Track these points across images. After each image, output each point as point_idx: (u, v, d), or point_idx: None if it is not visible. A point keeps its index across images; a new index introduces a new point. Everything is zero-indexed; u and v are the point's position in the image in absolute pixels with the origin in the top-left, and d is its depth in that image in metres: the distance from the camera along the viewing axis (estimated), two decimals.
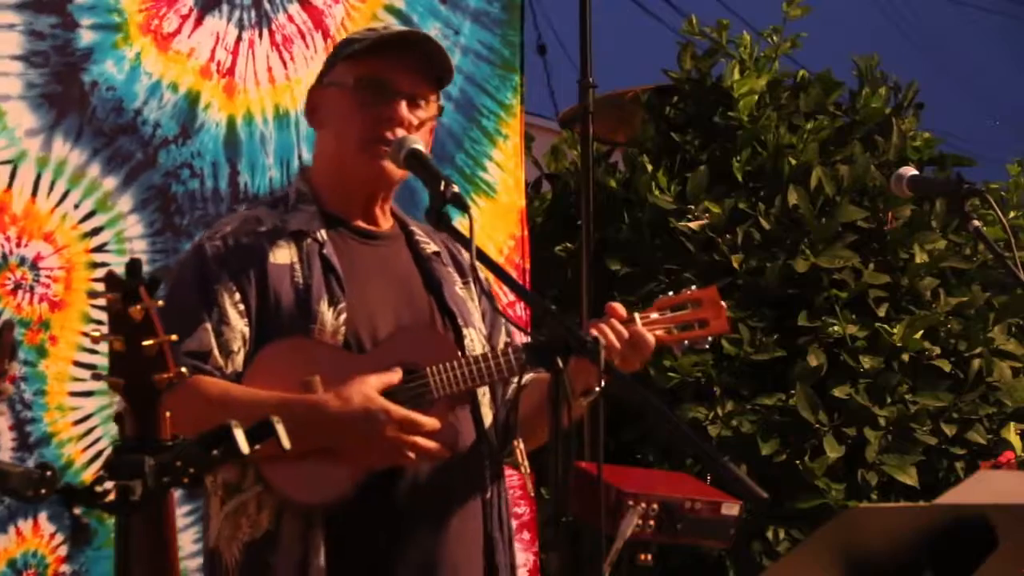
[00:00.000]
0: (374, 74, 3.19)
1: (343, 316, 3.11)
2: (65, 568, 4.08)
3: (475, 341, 3.27)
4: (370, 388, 3.04)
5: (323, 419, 3.00)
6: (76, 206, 4.11)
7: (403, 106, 3.18)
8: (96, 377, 2.15)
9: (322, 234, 3.19)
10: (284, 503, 3.06)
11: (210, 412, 2.83)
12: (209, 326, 3.06)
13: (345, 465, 3.05)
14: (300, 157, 4.47)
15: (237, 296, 3.09)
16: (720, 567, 5.44)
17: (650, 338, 3.24)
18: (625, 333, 3.20)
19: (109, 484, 2.09)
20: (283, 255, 3.14)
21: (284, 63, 4.49)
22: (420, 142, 3.15)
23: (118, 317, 2.09)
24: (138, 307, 2.08)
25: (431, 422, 3.06)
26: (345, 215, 3.25)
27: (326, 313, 3.10)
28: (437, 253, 3.34)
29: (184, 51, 4.30)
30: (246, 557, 3.08)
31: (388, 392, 3.07)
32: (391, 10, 4.67)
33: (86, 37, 4.14)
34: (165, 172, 4.26)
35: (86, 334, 4.03)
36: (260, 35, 4.45)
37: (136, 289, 2.09)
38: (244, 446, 2.09)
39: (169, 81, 4.27)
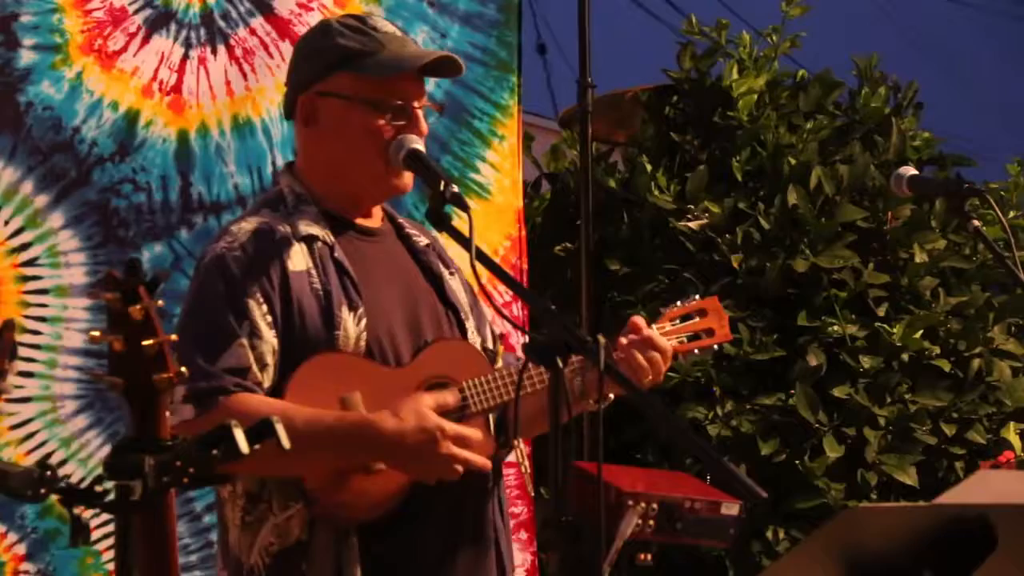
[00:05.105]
0: (390, 96, 3.17)
1: (363, 321, 3.11)
2: (28, 567, 4.13)
3: (473, 332, 3.30)
4: (424, 405, 3.05)
5: (380, 436, 3.01)
6: (6, 223, 4.22)
7: (421, 119, 3.19)
8: (96, 377, 2.15)
9: (329, 236, 3.18)
10: (326, 518, 3.06)
11: None
12: (244, 341, 3.03)
13: (387, 481, 3.06)
14: (274, 163, 4.53)
15: (265, 308, 3.07)
16: (720, 567, 5.44)
17: (669, 347, 3.30)
18: (651, 349, 3.24)
19: (109, 484, 2.09)
20: (299, 261, 3.12)
21: (244, 75, 4.55)
22: (419, 141, 3.16)
23: (118, 317, 2.09)
24: (138, 307, 2.08)
25: (478, 434, 3.09)
26: (345, 213, 3.24)
27: (348, 319, 3.10)
28: (428, 245, 3.35)
29: (128, 70, 4.38)
30: (276, 565, 3.08)
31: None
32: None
33: (26, 57, 4.24)
34: (101, 188, 4.32)
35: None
36: (214, 51, 4.50)
37: (136, 289, 2.09)
38: (244, 446, 2.09)
39: (110, 100, 4.35)
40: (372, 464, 3.05)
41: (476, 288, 3.25)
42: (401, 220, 3.37)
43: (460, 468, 3.06)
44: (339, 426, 3.01)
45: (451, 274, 3.35)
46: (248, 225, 3.17)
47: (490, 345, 3.38)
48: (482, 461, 3.09)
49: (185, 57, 4.45)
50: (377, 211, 3.32)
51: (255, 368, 3.03)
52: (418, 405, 3.04)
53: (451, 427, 3.04)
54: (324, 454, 2.95)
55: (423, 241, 3.34)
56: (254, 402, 2.99)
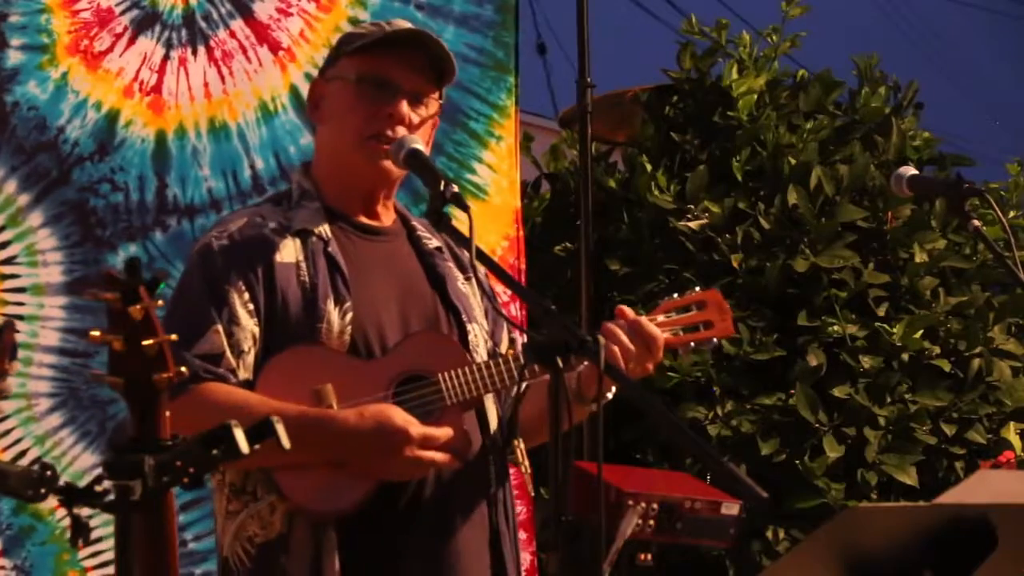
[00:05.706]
0: (377, 70, 3.19)
1: (349, 316, 3.11)
2: (4, 562, 4.15)
3: (479, 337, 3.27)
4: (391, 408, 3.04)
5: (342, 434, 3.01)
6: None
7: (404, 104, 3.18)
8: (96, 378, 2.15)
9: (326, 231, 3.18)
10: (297, 511, 3.06)
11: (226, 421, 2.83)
12: (220, 327, 3.05)
13: (358, 475, 3.05)
14: (253, 167, 4.53)
15: (247, 295, 3.08)
16: (720, 567, 5.45)
17: (659, 334, 3.24)
18: (638, 333, 3.20)
19: (108, 484, 2.09)
20: (289, 253, 3.14)
21: (222, 78, 4.54)
22: (420, 141, 3.15)
23: (118, 317, 2.09)
24: (138, 307, 2.08)
25: (446, 433, 3.07)
26: (347, 210, 3.24)
27: (332, 312, 3.10)
28: (439, 248, 3.33)
29: (113, 70, 4.40)
30: (259, 558, 3.08)
31: (400, 399, 3.08)
32: (355, 22, 4.61)
33: (13, 58, 4.28)
34: (80, 187, 4.33)
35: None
36: (194, 52, 4.50)
37: (136, 288, 2.09)
38: (244, 445, 2.09)
39: (94, 100, 4.37)
40: (343, 460, 3.04)
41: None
42: (415, 222, 3.35)
43: (428, 468, 3.06)
44: (301, 420, 2.97)
45: (467, 278, 3.33)
46: (241, 216, 3.21)
47: (501, 349, 3.35)
48: (448, 460, 3.06)
49: (166, 57, 4.46)
50: (388, 212, 3.31)
51: (229, 355, 3.05)
52: (384, 406, 3.03)
53: (417, 429, 3.02)
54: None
55: (433, 244, 3.33)
56: (221, 392, 3.01)
